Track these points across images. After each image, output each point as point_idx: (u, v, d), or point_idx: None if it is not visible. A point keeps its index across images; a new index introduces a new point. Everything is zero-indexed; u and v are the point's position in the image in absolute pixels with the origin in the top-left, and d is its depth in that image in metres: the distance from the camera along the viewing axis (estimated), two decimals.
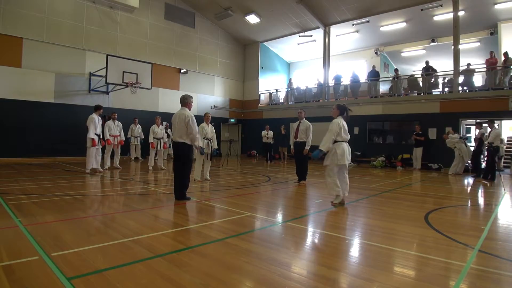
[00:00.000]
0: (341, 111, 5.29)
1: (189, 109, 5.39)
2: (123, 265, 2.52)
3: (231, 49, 19.57)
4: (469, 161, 10.94)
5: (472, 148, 10.70)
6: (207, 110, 17.76)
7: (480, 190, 7.67)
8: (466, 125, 13.97)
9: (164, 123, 13.59)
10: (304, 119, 7.92)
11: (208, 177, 7.89)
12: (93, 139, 8.60)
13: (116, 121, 10.10)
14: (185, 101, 5.39)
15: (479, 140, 9.97)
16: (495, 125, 9.64)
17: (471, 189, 7.86)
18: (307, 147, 7.64)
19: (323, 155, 5.18)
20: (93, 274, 2.34)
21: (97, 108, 8.98)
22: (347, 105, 5.48)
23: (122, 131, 10.30)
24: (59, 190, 5.98)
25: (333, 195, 5.18)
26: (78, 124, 12.06)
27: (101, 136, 9.20)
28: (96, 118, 8.77)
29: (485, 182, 8.80)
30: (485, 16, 13.81)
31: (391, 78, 15.74)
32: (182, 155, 5.25)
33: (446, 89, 13.17)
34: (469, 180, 9.33)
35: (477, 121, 10.90)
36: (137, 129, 13.32)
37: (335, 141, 5.10)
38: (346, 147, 5.15)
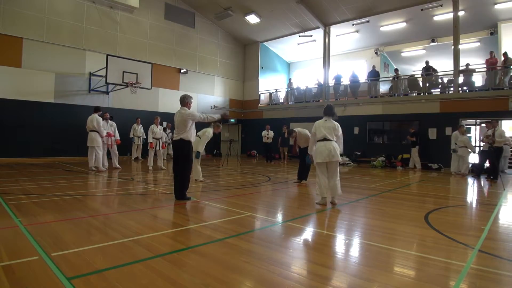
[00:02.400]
0: (324, 113, 5.41)
1: (189, 109, 5.39)
2: (123, 265, 2.52)
3: (231, 49, 19.56)
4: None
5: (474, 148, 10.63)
6: (207, 110, 17.78)
7: (480, 190, 7.67)
8: (466, 125, 13.96)
9: (164, 123, 13.60)
10: (297, 133, 7.70)
11: (200, 178, 7.75)
12: (108, 133, 9.33)
13: (109, 120, 10.10)
14: (185, 101, 5.39)
15: (482, 140, 9.89)
16: (497, 125, 9.60)
17: (471, 189, 7.85)
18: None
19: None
20: (93, 274, 2.34)
21: (96, 110, 9.41)
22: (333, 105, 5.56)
23: (116, 130, 10.30)
24: (59, 190, 5.97)
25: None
26: (78, 124, 12.08)
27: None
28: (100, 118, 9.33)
29: (493, 181, 8.84)
30: (485, 16, 13.81)
31: (391, 78, 15.73)
32: (181, 155, 5.24)
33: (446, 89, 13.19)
34: (469, 180, 9.33)
35: (484, 121, 10.80)
36: (140, 129, 13.36)
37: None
38: (321, 146, 5.10)
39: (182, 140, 5.21)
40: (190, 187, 5.74)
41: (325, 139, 5.16)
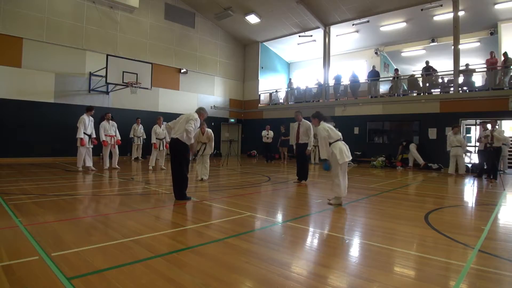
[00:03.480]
0: (320, 118, 5.48)
1: (200, 119, 5.46)
2: (123, 265, 2.52)
3: (231, 49, 19.56)
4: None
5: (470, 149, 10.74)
6: (207, 110, 17.74)
7: (479, 190, 7.67)
8: (466, 125, 13.97)
9: (164, 123, 13.58)
10: (303, 120, 7.89)
11: (205, 178, 7.75)
12: (81, 139, 8.99)
13: (110, 121, 10.09)
14: (200, 111, 5.56)
15: (480, 140, 9.93)
16: (496, 125, 9.61)
17: (471, 189, 7.85)
18: (309, 148, 7.64)
19: (330, 163, 5.26)
20: (93, 274, 2.35)
21: (88, 109, 9.38)
22: (321, 111, 5.73)
23: (117, 131, 10.30)
24: (59, 190, 5.97)
25: (335, 195, 5.19)
26: None
27: (93, 136, 9.42)
28: (86, 119, 9.17)
29: (490, 180, 8.88)
30: (485, 16, 13.81)
31: (391, 78, 15.72)
32: (177, 152, 5.21)
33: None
34: (469, 180, 9.33)
35: (481, 121, 10.84)
36: (140, 129, 13.34)
37: (330, 144, 5.21)
38: (342, 145, 5.19)
39: (179, 140, 5.21)
40: (190, 187, 5.74)
41: (340, 138, 5.26)
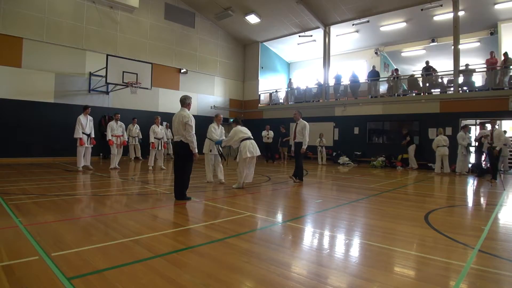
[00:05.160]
0: (237, 123, 7.00)
1: (188, 110, 5.42)
2: (123, 265, 2.52)
3: (231, 49, 19.56)
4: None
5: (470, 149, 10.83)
6: (207, 110, 17.82)
7: (479, 190, 7.67)
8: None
9: (164, 123, 13.55)
10: (301, 119, 7.89)
11: (223, 180, 7.37)
12: (80, 139, 9.08)
13: (119, 121, 10.17)
14: (186, 102, 5.43)
15: (479, 140, 9.97)
16: (496, 125, 9.62)
17: (471, 189, 7.85)
18: (304, 147, 7.65)
19: (220, 145, 7.10)
20: (93, 274, 2.34)
21: (84, 109, 9.43)
22: (239, 117, 7.01)
23: (125, 132, 10.38)
24: (59, 190, 5.97)
25: (237, 182, 6.60)
26: None
27: (92, 136, 9.46)
28: (83, 119, 9.21)
29: (491, 180, 8.88)
30: (485, 16, 13.81)
31: (391, 78, 15.70)
32: (182, 155, 5.25)
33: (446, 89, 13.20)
34: (469, 180, 9.33)
35: (480, 121, 10.87)
36: (135, 129, 13.27)
37: (241, 141, 6.55)
38: (248, 143, 6.49)
39: (182, 142, 5.22)
40: (191, 187, 5.75)
41: (249, 138, 6.60)
